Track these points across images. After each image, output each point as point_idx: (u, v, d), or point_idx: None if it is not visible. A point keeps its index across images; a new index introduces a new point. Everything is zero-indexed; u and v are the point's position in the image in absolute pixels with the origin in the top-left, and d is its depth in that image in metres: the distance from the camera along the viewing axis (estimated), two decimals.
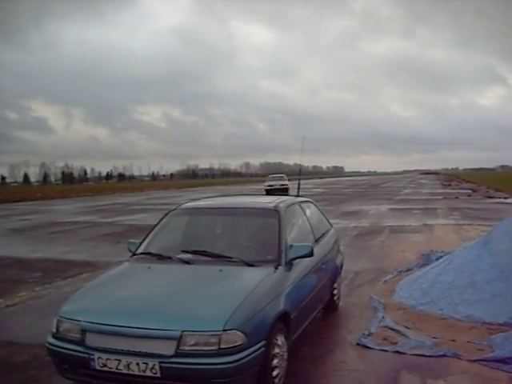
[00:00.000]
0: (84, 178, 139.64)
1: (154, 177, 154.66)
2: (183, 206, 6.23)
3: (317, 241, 6.17)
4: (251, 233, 5.55)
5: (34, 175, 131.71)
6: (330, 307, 6.77)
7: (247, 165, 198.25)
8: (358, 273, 9.16)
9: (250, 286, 4.33)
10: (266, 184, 41.87)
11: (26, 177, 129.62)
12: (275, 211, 5.51)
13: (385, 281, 8.44)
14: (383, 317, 6.41)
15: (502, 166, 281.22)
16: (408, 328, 6.02)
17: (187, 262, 4.92)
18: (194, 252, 5.08)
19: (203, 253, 5.01)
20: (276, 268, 4.75)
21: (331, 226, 7.53)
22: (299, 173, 8.80)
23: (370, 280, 8.63)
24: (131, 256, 5.45)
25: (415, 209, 23.10)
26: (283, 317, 4.44)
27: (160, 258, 5.13)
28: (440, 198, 31.69)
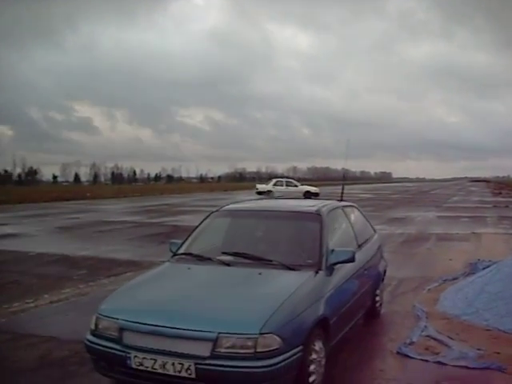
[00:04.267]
0: (133, 178, 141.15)
1: (202, 179, 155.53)
2: (225, 208, 6.22)
3: (360, 246, 6.07)
4: (292, 236, 5.50)
5: (85, 175, 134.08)
6: (372, 314, 6.67)
7: (294, 169, 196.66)
8: (401, 280, 9.00)
9: (289, 290, 4.28)
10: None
11: (76, 176, 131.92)
12: (317, 215, 5.44)
13: (429, 289, 8.26)
14: (426, 326, 6.26)
15: None
16: (451, 338, 5.83)
17: (227, 264, 4.92)
18: (235, 254, 5.07)
19: (243, 255, 4.98)
20: (316, 272, 4.69)
21: (375, 231, 7.41)
22: (343, 177, 8.75)
23: (413, 288, 8.46)
24: (172, 256, 5.47)
25: (464, 217, 22.61)
26: (322, 322, 4.38)
27: (200, 258, 5.13)
28: (490, 206, 30.96)
